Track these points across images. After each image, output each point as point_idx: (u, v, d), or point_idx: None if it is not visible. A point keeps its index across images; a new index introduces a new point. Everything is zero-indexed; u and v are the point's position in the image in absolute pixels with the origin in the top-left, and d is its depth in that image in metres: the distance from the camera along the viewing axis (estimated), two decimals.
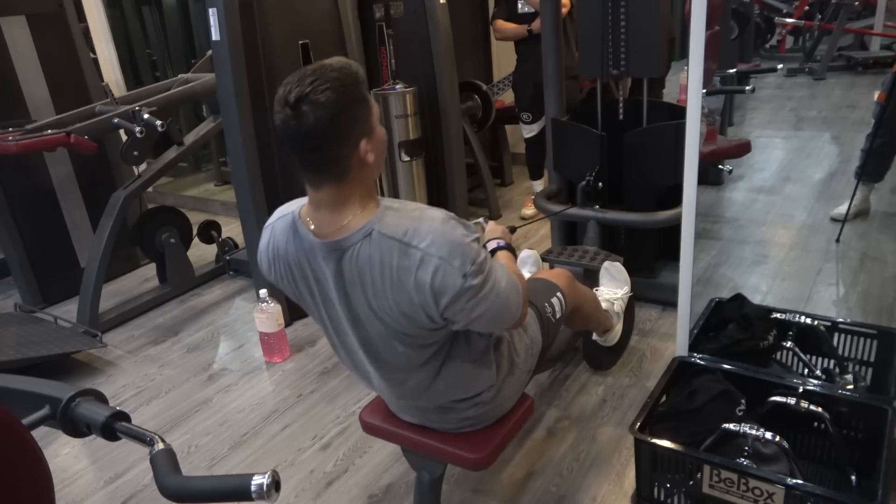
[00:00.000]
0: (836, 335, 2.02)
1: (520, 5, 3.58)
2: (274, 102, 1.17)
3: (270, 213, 2.97)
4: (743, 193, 3.73)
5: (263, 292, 2.63)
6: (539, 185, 3.94)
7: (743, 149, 3.52)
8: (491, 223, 1.68)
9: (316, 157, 1.18)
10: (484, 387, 1.47)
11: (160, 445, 0.94)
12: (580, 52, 2.69)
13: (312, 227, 1.26)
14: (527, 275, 2.23)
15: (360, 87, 1.19)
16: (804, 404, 1.68)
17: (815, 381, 1.85)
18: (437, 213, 1.24)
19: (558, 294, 1.78)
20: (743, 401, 1.73)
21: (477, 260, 1.21)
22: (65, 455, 2.25)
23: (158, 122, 2.86)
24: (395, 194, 3.51)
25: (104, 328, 3.01)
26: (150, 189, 3.74)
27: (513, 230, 1.90)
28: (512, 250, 1.57)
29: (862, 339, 2.00)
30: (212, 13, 2.53)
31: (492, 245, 1.55)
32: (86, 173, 3.43)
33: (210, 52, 2.90)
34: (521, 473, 1.96)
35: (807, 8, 5.83)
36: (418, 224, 1.21)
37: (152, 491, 2.01)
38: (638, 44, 2.46)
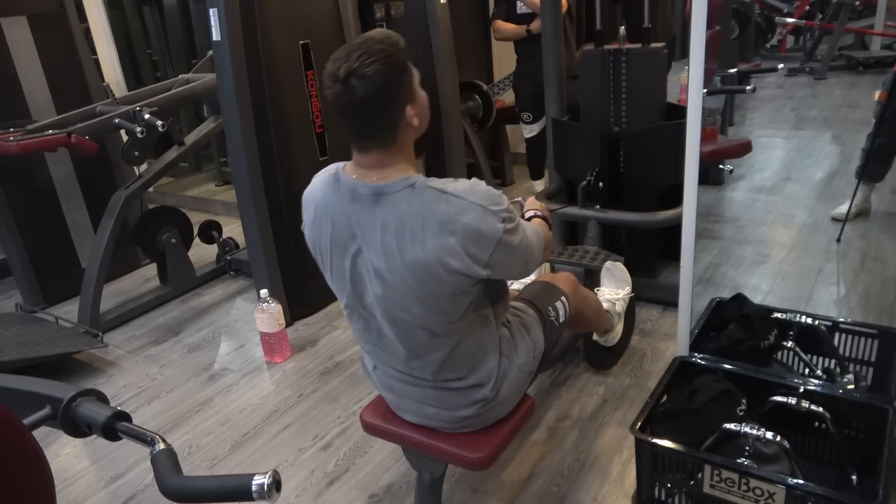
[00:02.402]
0: (836, 335, 2.02)
1: (519, 5, 3.58)
2: (323, 78, 1.26)
3: (271, 213, 2.98)
4: (744, 193, 3.72)
5: (264, 292, 2.63)
6: (539, 185, 3.95)
7: (743, 148, 3.52)
8: (531, 198, 1.82)
9: (368, 125, 1.28)
10: (486, 372, 1.48)
11: (161, 445, 0.94)
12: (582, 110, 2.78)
13: (355, 176, 1.34)
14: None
15: (402, 57, 1.27)
16: (805, 404, 1.68)
17: (816, 381, 1.85)
18: (465, 180, 1.35)
19: (562, 298, 1.79)
20: (744, 401, 1.72)
21: (507, 210, 1.32)
22: (66, 455, 2.25)
23: (159, 123, 2.86)
24: None
25: (105, 328, 3.01)
26: (150, 189, 3.74)
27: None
28: (546, 220, 1.68)
29: (863, 339, 2.00)
30: (212, 13, 2.53)
31: (529, 214, 1.68)
32: (87, 173, 3.43)
33: (211, 52, 2.90)
34: (521, 473, 1.96)
35: (807, 7, 5.83)
36: (455, 182, 1.31)
37: (153, 491, 2.01)
38: (637, 105, 2.61)
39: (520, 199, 1.79)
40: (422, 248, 1.27)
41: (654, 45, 2.55)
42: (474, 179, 1.34)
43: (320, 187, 1.40)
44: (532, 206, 1.73)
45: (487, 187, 1.31)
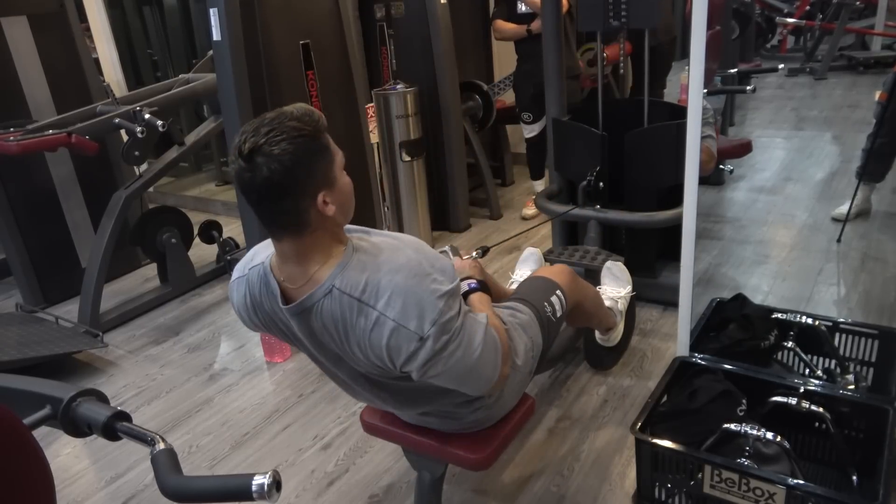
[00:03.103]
0: (837, 335, 2.02)
1: (519, 5, 3.58)
2: (229, 151, 1.14)
3: None
4: (744, 193, 3.72)
5: None
6: (540, 185, 3.94)
7: (744, 149, 3.52)
8: (456, 259, 1.60)
9: (272, 210, 1.14)
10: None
11: (161, 445, 0.94)
12: (579, 9, 2.70)
13: (282, 279, 1.24)
14: (528, 273, 2.23)
15: (319, 138, 1.15)
16: (805, 404, 1.68)
17: (817, 382, 1.85)
18: (408, 258, 1.19)
19: (557, 292, 1.75)
20: (744, 401, 1.72)
21: (440, 320, 1.16)
22: (66, 455, 2.25)
23: (159, 122, 2.86)
24: (395, 194, 3.51)
25: (105, 328, 3.01)
26: (150, 189, 3.74)
27: (485, 251, 1.83)
28: (486, 289, 1.48)
29: (863, 339, 2.00)
30: (213, 13, 2.53)
31: (465, 285, 1.44)
32: (87, 173, 3.43)
33: (211, 52, 2.90)
34: (521, 473, 1.96)
35: (808, 8, 5.83)
36: (379, 277, 1.17)
37: (153, 491, 2.01)
38: None
39: (447, 248, 1.61)
40: (353, 351, 1.23)
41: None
42: (414, 265, 1.18)
43: (255, 288, 1.29)
44: (461, 274, 1.48)
45: (419, 290, 1.15)
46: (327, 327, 1.21)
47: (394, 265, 1.18)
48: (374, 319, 1.15)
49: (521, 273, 2.29)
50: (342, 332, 1.21)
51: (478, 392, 1.33)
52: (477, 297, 1.43)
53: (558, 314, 1.72)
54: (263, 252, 1.32)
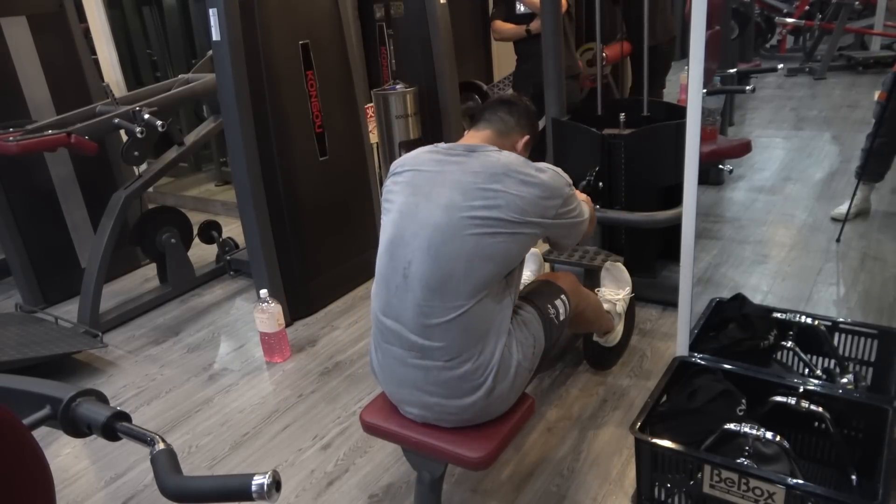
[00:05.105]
0: (836, 335, 2.02)
1: (518, 6, 3.58)
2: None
3: (271, 213, 2.98)
4: (743, 193, 3.73)
5: (264, 292, 2.63)
6: None
7: (743, 148, 3.52)
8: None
9: (500, 118, 1.72)
10: (487, 356, 1.49)
11: (161, 445, 0.94)
12: None
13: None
14: (528, 274, 2.23)
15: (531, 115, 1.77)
16: (805, 404, 1.68)
17: (816, 381, 1.85)
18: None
19: (563, 297, 1.79)
20: (743, 401, 1.72)
21: (570, 182, 1.61)
22: (65, 455, 2.25)
23: (159, 123, 2.86)
24: None
25: (105, 328, 3.01)
26: (150, 189, 3.74)
27: None
28: (588, 202, 1.87)
29: (862, 339, 2.00)
30: (212, 13, 2.53)
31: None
32: (86, 173, 3.43)
33: (210, 52, 2.90)
34: (521, 473, 1.97)
35: (807, 8, 5.84)
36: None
37: (153, 491, 2.01)
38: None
39: None
40: (503, 188, 1.47)
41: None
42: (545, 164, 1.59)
43: (416, 152, 1.64)
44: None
45: (557, 172, 1.58)
46: (489, 166, 1.51)
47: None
48: (539, 168, 1.55)
49: (522, 273, 2.30)
50: (501, 172, 1.49)
51: (576, 239, 1.73)
52: (585, 197, 1.84)
53: (562, 317, 1.75)
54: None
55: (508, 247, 1.49)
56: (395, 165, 1.66)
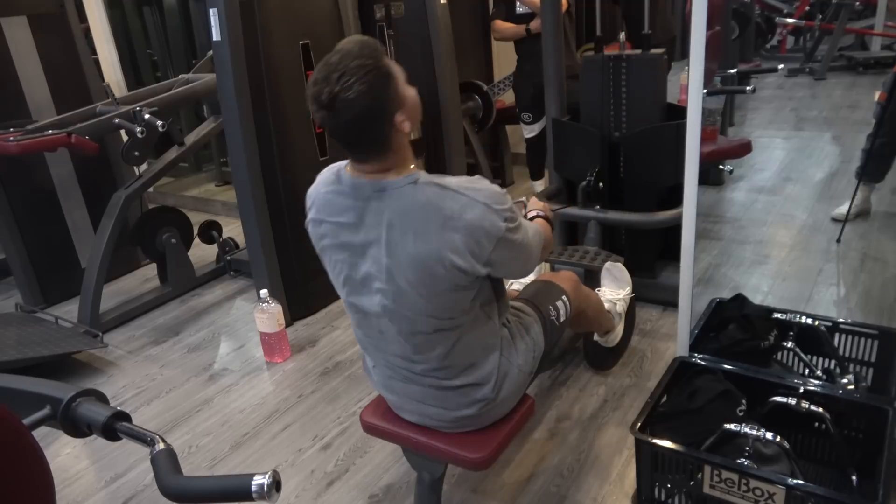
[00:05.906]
0: (836, 335, 2.02)
1: (518, 5, 3.58)
2: (308, 100, 1.25)
3: (271, 213, 2.98)
4: (744, 193, 3.73)
5: (264, 292, 2.63)
6: (539, 186, 3.95)
7: (744, 149, 3.52)
8: (533, 198, 1.81)
9: (359, 141, 1.28)
10: (486, 371, 1.47)
11: (161, 445, 0.94)
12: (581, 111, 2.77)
13: (357, 175, 1.34)
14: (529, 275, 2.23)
15: (382, 65, 1.24)
16: (805, 404, 1.68)
17: (816, 382, 1.85)
18: (469, 176, 1.36)
19: (563, 297, 1.78)
20: (744, 401, 1.72)
21: (511, 207, 1.34)
22: (65, 455, 2.25)
23: (159, 123, 2.86)
24: None
25: (105, 328, 3.01)
26: (150, 189, 3.74)
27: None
28: (549, 220, 1.71)
29: (863, 340, 2.00)
30: (212, 13, 2.53)
31: (531, 213, 1.69)
32: (87, 173, 3.43)
33: (211, 52, 2.90)
34: (521, 474, 1.96)
35: (807, 8, 5.84)
36: (458, 179, 1.32)
37: (153, 491, 2.01)
38: (638, 110, 2.58)
39: (523, 199, 1.80)
40: (425, 243, 1.27)
41: (654, 50, 2.54)
42: (477, 176, 1.35)
43: (323, 185, 1.41)
44: (535, 206, 1.74)
45: (491, 185, 1.33)
46: (404, 214, 1.28)
47: (462, 178, 1.34)
48: (464, 202, 1.27)
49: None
50: (422, 219, 1.27)
51: (526, 273, 1.52)
52: (539, 220, 1.66)
53: (562, 319, 1.74)
54: (336, 164, 1.43)
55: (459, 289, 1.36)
56: (309, 204, 1.44)
